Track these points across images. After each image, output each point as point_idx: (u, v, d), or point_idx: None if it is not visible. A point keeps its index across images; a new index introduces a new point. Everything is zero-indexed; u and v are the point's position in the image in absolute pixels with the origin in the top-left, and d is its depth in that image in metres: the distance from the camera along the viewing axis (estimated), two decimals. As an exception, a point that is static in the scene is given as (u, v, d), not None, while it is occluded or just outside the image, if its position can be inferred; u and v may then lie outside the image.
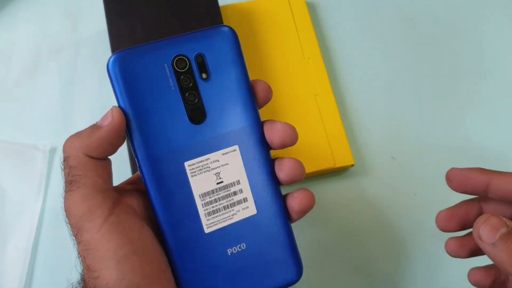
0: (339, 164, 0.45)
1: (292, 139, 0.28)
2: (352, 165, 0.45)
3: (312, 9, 0.52)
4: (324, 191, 0.46)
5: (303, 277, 0.29)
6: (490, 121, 0.49)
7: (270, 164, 0.29)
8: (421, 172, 0.47)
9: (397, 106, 0.49)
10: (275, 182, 0.29)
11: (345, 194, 0.46)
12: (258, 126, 0.28)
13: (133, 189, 0.29)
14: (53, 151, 0.46)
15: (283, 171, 0.28)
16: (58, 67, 0.49)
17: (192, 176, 0.27)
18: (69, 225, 0.26)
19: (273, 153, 0.29)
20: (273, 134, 0.28)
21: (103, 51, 0.48)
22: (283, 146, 0.28)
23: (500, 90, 0.50)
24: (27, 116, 0.48)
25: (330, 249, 0.44)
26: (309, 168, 0.44)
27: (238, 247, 0.28)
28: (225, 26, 0.28)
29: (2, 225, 0.43)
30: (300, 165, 0.28)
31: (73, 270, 0.28)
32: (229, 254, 0.27)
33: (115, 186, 0.28)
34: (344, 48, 0.51)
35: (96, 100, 0.48)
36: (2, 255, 0.43)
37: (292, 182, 0.28)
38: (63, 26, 0.51)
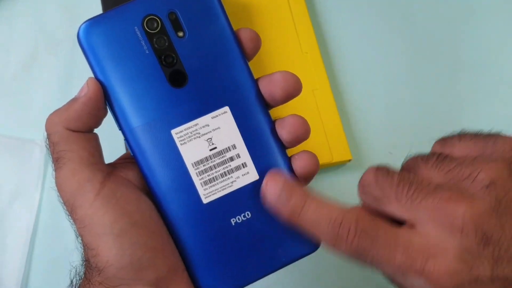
0: (336, 159, 0.45)
1: (296, 87, 0.26)
2: (349, 160, 0.45)
3: (310, 3, 0.52)
4: (321, 185, 0.46)
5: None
6: (489, 117, 0.49)
7: (269, 123, 0.26)
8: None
9: (395, 101, 0.49)
10: (277, 142, 0.26)
11: (342, 189, 0.46)
12: (250, 82, 0.26)
13: (128, 162, 0.28)
14: (50, 145, 0.46)
15: (285, 128, 0.26)
16: (56, 61, 0.49)
17: (181, 144, 0.25)
18: (63, 204, 0.25)
19: (273, 116, 0.27)
20: (273, 86, 0.26)
21: (101, 45, 0.48)
22: (287, 97, 0.26)
23: (500, 86, 0.50)
24: (25, 110, 0.48)
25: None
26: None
27: (242, 216, 0.26)
28: None
29: (0, 218, 0.44)
30: (303, 121, 0.26)
31: (75, 253, 0.27)
32: (233, 224, 0.26)
33: (108, 163, 0.27)
34: (342, 42, 0.51)
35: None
36: (1, 248, 0.43)
37: (296, 141, 0.27)
38: (61, 20, 0.51)
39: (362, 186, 0.24)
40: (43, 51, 0.50)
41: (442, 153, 0.24)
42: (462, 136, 0.25)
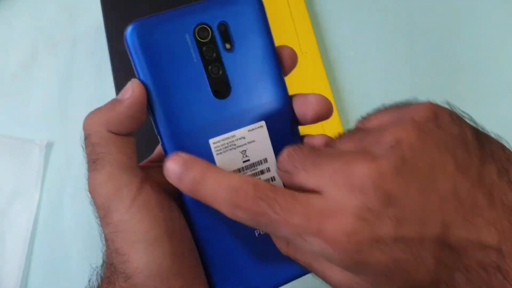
0: (336, 159, 0.45)
1: (328, 111, 0.26)
2: (349, 160, 0.45)
3: (309, 3, 0.52)
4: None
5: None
6: (489, 117, 0.49)
7: (298, 141, 0.27)
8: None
9: (395, 101, 0.49)
10: None
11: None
12: (286, 99, 0.27)
13: (159, 166, 0.27)
14: (50, 145, 0.46)
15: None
16: (55, 61, 0.49)
17: (217, 154, 0.25)
18: (94, 207, 0.25)
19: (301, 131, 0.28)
20: (306, 107, 0.26)
21: (100, 45, 0.48)
22: (318, 119, 0.27)
23: (499, 87, 0.50)
24: (24, 110, 0.48)
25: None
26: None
27: None
28: None
29: (-1, 219, 0.44)
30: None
31: (92, 253, 0.27)
32: (257, 235, 0.26)
33: (139, 165, 0.27)
34: (341, 42, 0.51)
35: (93, 94, 0.48)
36: (0, 248, 0.43)
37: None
38: (60, 20, 0.51)
39: (278, 163, 0.24)
40: (43, 51, 0.50)
41: (359, 127, 0.24)
42: (379, 110, 0.25)
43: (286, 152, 0.24)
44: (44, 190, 0.45)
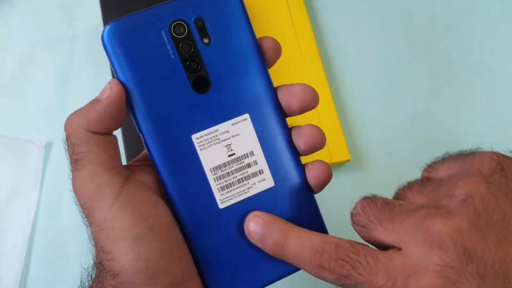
0: (335, 159, 0.45)
1: (313, 100, 0.26)
2: (348, 160, 0.45)
3: (308, 3, 0.52)
4: (320, 186, 0.46)
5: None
6: (487, 117, 0.49)
7: (286, 132, 0.27)
8: (417, 168, 0.47)
9: (394, 102, 0.49)
10: (293, 151, 0.27)
11: (341, 189, 0.46)
12: (270, 91, 0.26)
13: (144, 164, 0.27)
14: (49, 145, 0.46)
15: (302, 138, 0.26)
16: (53, 61, 0.49)
17: (201, 149, 0.26)
18: (79, 207, 0.25)
19: (289, 122, 0.28)
20: (291, 97, 0.26)
21: (99, 45, 0.48)
22: (304, 109, 0.27)
23: (497, 86, 0.50)
24: (23, 110, 0.48)
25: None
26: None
27: None
28: None
29: (-2, 219, 0.44)
30: (320, 131, 0.27)
31: (88, 254, 0.27)
32: None
33: (124, 165, 0.27)
34: (341, 43, 0.51)
35: (91, 94, 0.47)
36: (0, 248, 0.43)
37: (312, 150, 0.27)
38: (59, 20, 0.51)
39: (352, 216, 0.25)
40: (41, 51, 0.49)
41: (427, 177, 0.25)
42: (445, 158, 0.25)
43: (359, 205, 0.24)
44: (43, 191, 0.45)
